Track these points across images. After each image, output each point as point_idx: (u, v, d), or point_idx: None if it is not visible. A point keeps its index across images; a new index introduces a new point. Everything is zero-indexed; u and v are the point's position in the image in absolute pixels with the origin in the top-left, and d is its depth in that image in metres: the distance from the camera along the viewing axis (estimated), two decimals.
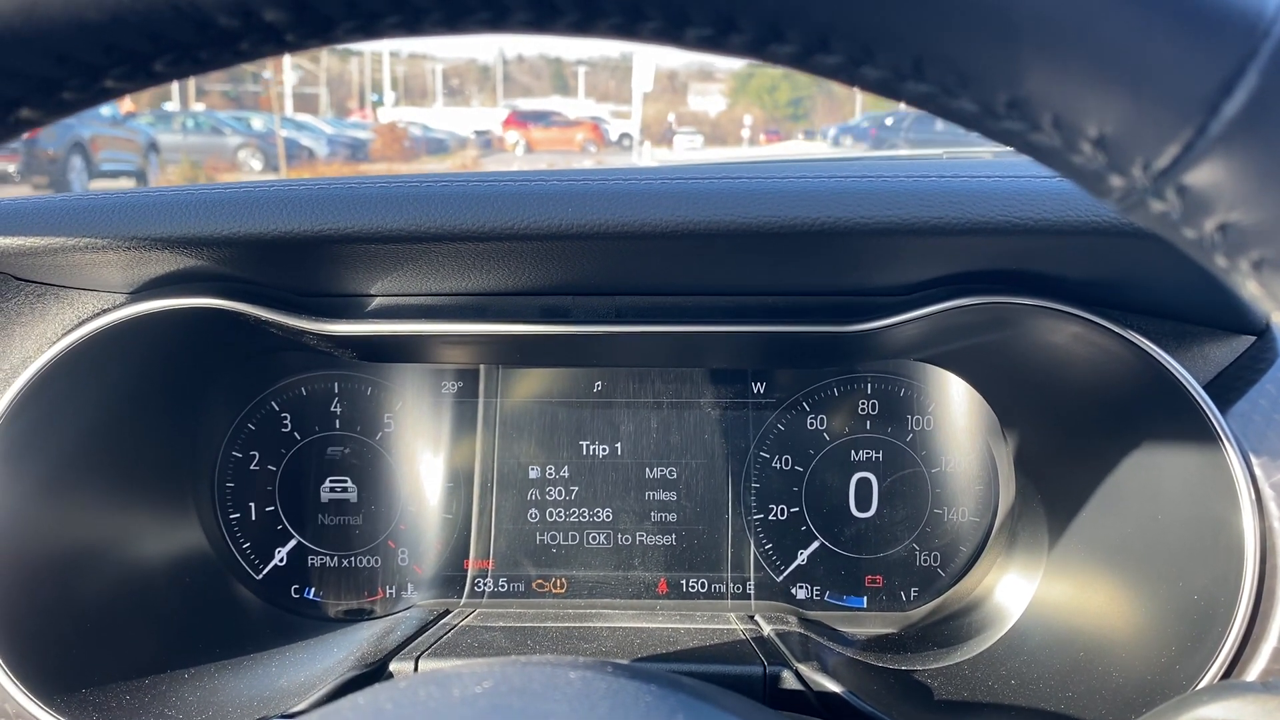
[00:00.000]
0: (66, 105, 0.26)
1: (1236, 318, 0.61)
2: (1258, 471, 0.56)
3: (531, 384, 0.76)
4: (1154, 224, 0.26)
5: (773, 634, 0.66)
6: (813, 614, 0.75)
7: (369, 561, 0.77)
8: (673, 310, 0.66)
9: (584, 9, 0.25)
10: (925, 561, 0.76)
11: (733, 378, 0.75)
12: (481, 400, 0.76)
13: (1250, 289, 0.25)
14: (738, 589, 0.76)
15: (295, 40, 0.25)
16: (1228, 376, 0.61)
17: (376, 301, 0.65)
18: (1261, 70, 0.22)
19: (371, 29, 0.26)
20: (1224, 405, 0.58)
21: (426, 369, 0.75)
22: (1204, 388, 0.58)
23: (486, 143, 24.65)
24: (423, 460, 0.76)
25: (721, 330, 0.65)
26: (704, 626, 0.69)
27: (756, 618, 0.71)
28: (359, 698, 0.31)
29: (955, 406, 0.75)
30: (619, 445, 0.76)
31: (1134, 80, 0.23)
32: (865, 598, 0.76)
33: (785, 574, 0.76)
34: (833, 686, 0.56)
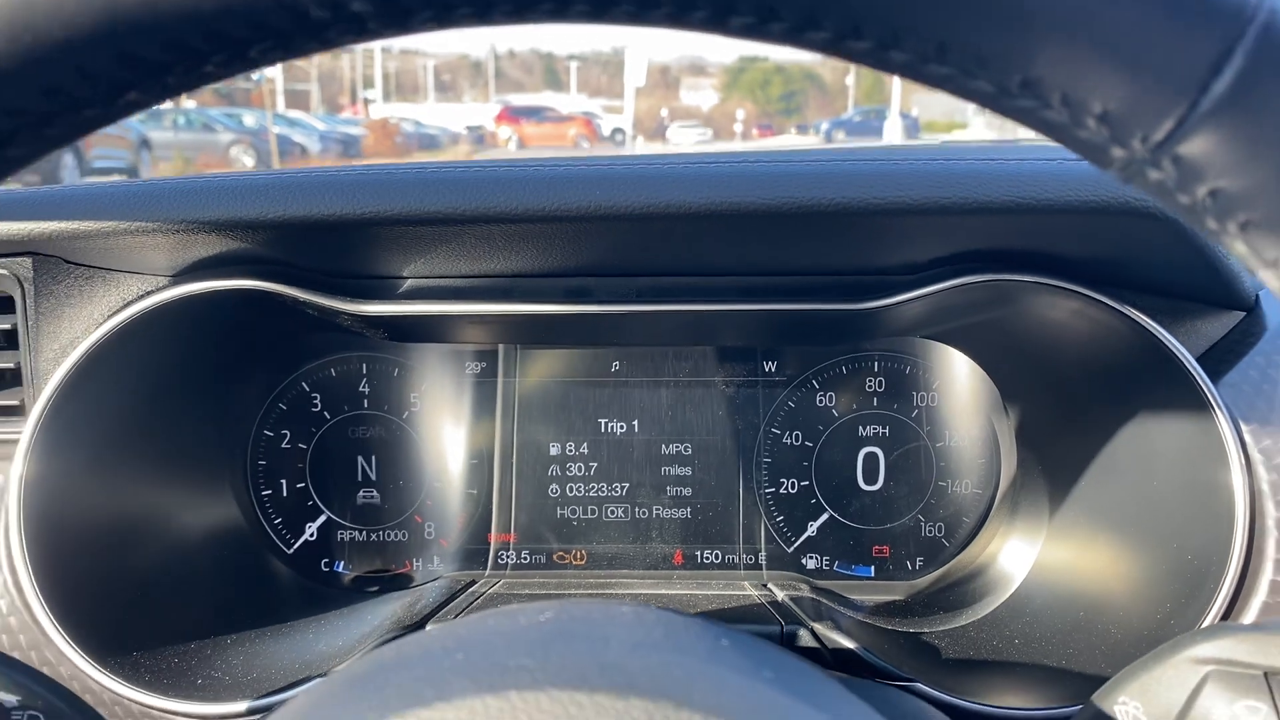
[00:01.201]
0: (171, 89, 0.29)
1: (1227, 294, 0.64)
2: (1247, 437, 0.60)
3: (551, 364, 0.79)
4: (1152, 191, 0.29)
5: (786, 599, 0.69)
6: (822, 583, 0.78)
7: (396, 535, 0.80)
8: (689, 290, 0.69)
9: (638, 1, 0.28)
10: (930, 532, 0.79)
11: (744, 357, 0.78)
12: (502, 380, 0.79)
13: (1238, 249, 0.28)
14: (750, 560, 0.79)
15: (376, 29, 0.28)
16: (1219, 349, 0.65)
17: (408, 283, 0.68)
18: (1247, 52, 0.25)
19: (446, 19, 0.28)
20: (1215, 376, 0.61)
21: (450, 350, 0.78)
22: (1197, 360, 0.61)
23: (479, 138, 24.63)
24: (447, 438, 0.79)
25: (735, 309, 0.68)
26: (720, 593, 0.72)
27: (769, 585, 0.74)
28: (432, 630, 0.34)
29: (959, 382, 0.78)
30: (635, 422, 0.79)
31: (1133, 62, 0.26)
32: (873, 567, 0.80)
33: (796, 545, 0.79)
34: (847, 643, 0.60)
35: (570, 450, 0.79)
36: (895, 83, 29.50)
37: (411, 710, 0.28)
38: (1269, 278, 0.28)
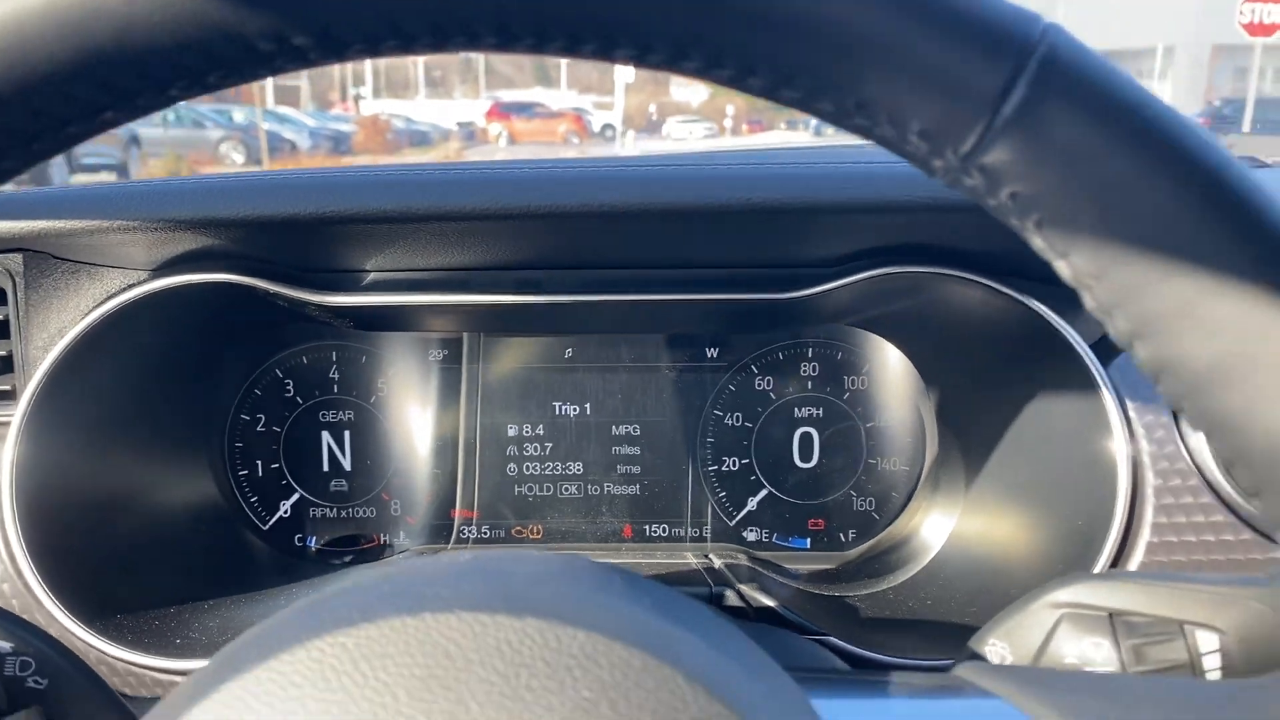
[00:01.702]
0: (141, 109, 0.34)
1: None
2: (1131, 414, 0.66)
3: (509, 351, 0.84)
4: (969, 194, 0.35)
5: (722, 566, 0.75)
6: (762, 554, 0.84)
7: (365, 512, 0.85)
8: (633, 282, 0.75)
9: (539, 34, 0.34)
10: (861, 506, 0.85)
11: (689, 344, 0.84)
12: (465, 366, 0.84)
13: (1037, 243, 0.34)
14: (695, 533, 0.85)
15: (317, 58, 0.34)
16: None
17: (371, 276, 0.74)
18: (1028, 81, 0.31)
19: (375, 50, 0.34)
20: (1105, 359, 0.68)
21: (415, 339, 0.84)
22: (1091, 345, 0.68)
23: (470, 134, 24.64)
24: (412, 421, 0.85)
25: (674, 299, 0.74)
26: (664, 561, 0.78)
27: (710, 555, 0.80)
28: (365, 569, 0.39)
29: (887, 367, 0.84)
30: (587, 406, 0.85)
31: (940, 88, 0.32)
32: (809, 539, 0.86)
33: (737, 519, 0.85)
34: (768, 602, 0.66)
35: (527, 432, 0.85)
36: None
37: (341, 630, 0.34)
38: (1061, 267, 0.33)
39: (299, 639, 0.34)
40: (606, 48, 0.34)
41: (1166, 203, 0.32)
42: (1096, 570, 0.63)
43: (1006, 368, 0.73)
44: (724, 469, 0.85)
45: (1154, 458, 0.65)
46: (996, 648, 0.50)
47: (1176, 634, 0.47)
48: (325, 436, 0.85)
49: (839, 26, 0.32)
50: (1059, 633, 0.49)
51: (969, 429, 0.78)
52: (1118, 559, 0.64)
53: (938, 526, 0.79)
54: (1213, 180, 0.32)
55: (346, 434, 0.85)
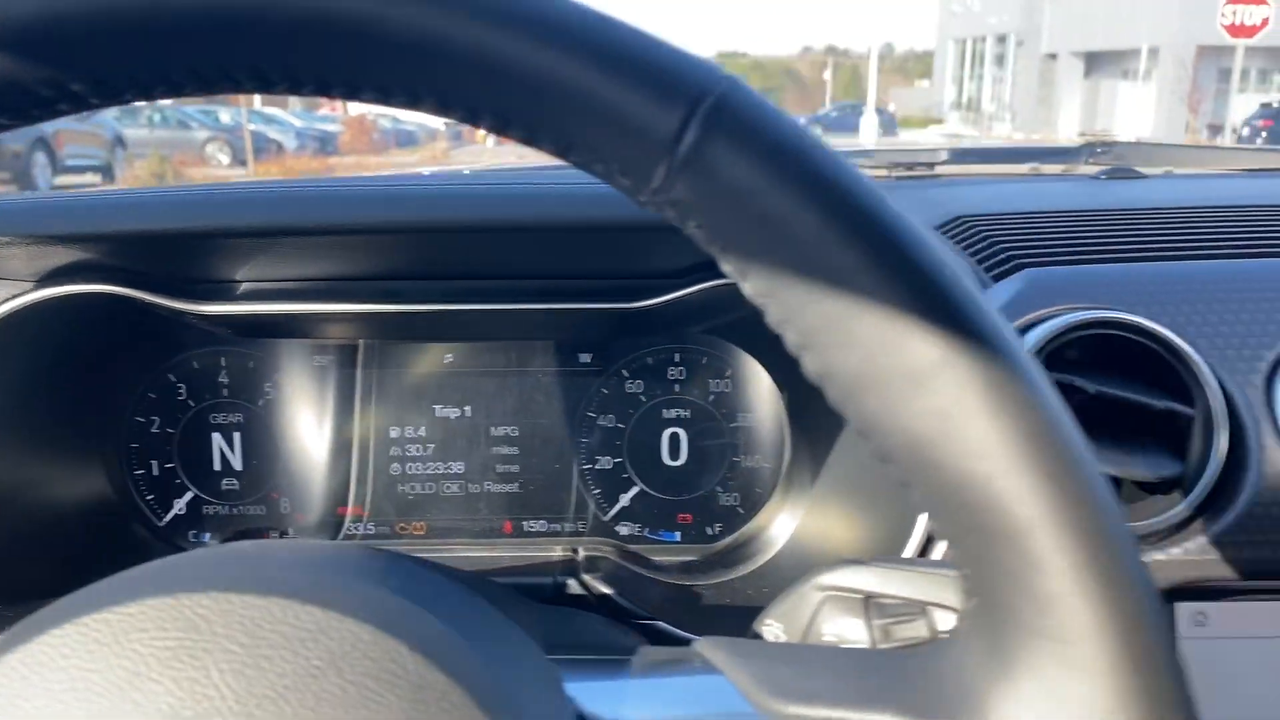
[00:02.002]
0: None
1: None
2: None
3: (391, 356, 0.89)
4: (672, 223, 0.39)
5: (583, 558, 0.80)
6: (634, 547, 0.89)
7: (256, 510, 0.90)
8: (491, 291, 0.79)
9: (292, 80, 0.38)
10: (727, 501, 0.90)
11: (562, 349, 0.89)
12: (348, 371, 0.89)
13: (724, 268, 0.39)
14: (572, 528, 0.90)
15: (98, 102, 0.38)
16: None
17: (243, 286, 0.78)
18: (698, 125, 0.36)
19: (147, 95, 0.39)
20: None
21: (300, 345, 0.88)
22: None
23: (457, 134, 24.63)
24: (299, 423, 0.89)
25: (528, 308, 0.79)
26: (534, 554, 0.83)
27: (578, 549, 0.84)
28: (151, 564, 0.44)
29: (748, 371, 0.89)
30: (467, 408, 0.89)
31: (626, 132, 0.37)
32: (679, 533, 0.90)
33: (611, 514, 0.90)
34: (605, 590, 0.70)
35: (409, 434, 0.89)
36: (871, 80, 29.66)
37: (108, 609, 0.39)
38: (745, 288, 0.38)
39: (70, 616, 0.39)
40: (351, 92, 0.38)
41: (816, 234, 0.36)
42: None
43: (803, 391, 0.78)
44: (598, 468, 0.90)
45: None
46: (772, 627, 0.55)
47: (919, 614, 0.52)
48: (216, 438, 0.89)
49: (541, 81, 0.36)
50: (821, 613, 0.53)
51: (814, 430, 0.83)
52: (925, 549, 0.69)
53: (787, 521, 0.84)
54: (855, 214, 0.37)
55: (236, 435, 0.89)
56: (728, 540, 0.89)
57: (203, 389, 0.89)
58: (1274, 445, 0.69)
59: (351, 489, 0.90)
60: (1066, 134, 28.49)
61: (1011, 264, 0.80)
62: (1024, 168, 1.37)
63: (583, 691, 0.44)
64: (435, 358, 0.89)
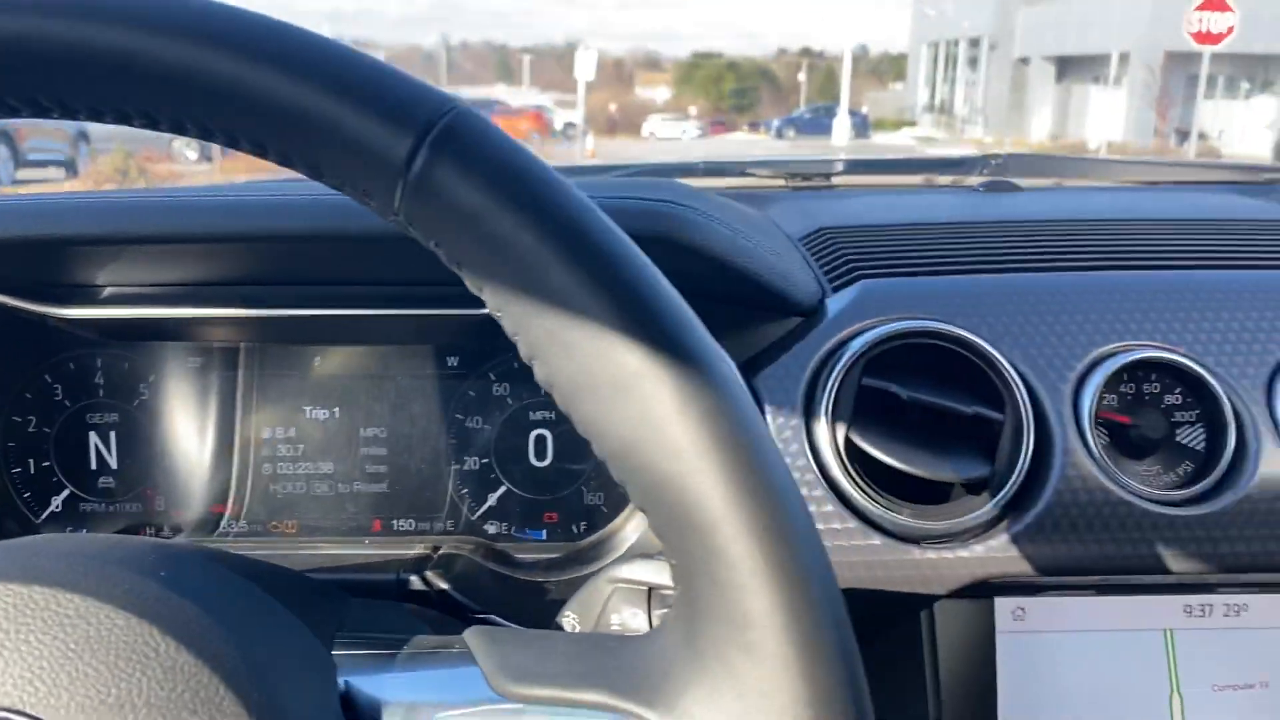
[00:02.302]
0: None
1: (784, 304, 0.79)
2: (768, 418, 0.74)
3: (261, 359, 0.91)
4: (420, 241, 0.42)
5: (440, 555, 0.83)
6: (500, 545, 0.92)
7: (132, 508, 0.92)
8: (358, 297, 0.82)
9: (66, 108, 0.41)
10: (591, 500, 0.93)
11: (430, 353, 0.92)
12: (220, 373, 0.91)
13: (467, 283, 0.42)
14: (441, 527, 0.93)
15: None
16: (774, 347, 0.79)
17: (107, 291, 0.81)
18: (426, 151, 0.39)
19: None
20: (756, 368, 0.76)
21: (174, 347, 0.91)
22: (752, 356, 0.76)
23: None
24: (175, 423, 0.92)
25: (395, 313, 0.82)
26: (399, 552, 0.86)
27: (439, 546, 0.87)
28: None
29: None
30: (336, 410, 0.92)
31: (364, 156, 0.40)
32: (545, 531, 0.93)
33: (479, 513, 0.93)
34: (444, 585, 0.73)
35: (280, 435, 0.92)
36: (845, 82, 29.83)
37: None
38: (485, 300, 0.41)
39: None
40: (123, 117, 0.41)
41: (534, 254, 0.40)
42: None
43: None
44: (466, 468, 0.93)
45: (790, 456, 0.73)
46: (569, 617, 0.59)
47: None
48: (93, 437, 0.91)
49: (286, 112, 0.40)
50: (610, 603, 0.57)
51: None
52: None
53: (640, 520, 0.87)
54: (569, 236, 0.40)
55: (112, 435, 0.92)
56: (593, 538, 0.93)
57: (79, 389, 0.91)
58: (1078, 449, 0.73)
59: (228, 488, 0.92)
60: (1039, 138, 28.73)
61: (853, 275, 0.84)
62: (918, 178, 1.42)
63: (353, 674, 0.47)
64: (305, 361, 0.92)
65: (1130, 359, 0.75)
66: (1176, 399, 0.76)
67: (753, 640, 0.39)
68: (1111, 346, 0.76)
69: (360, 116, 0.40)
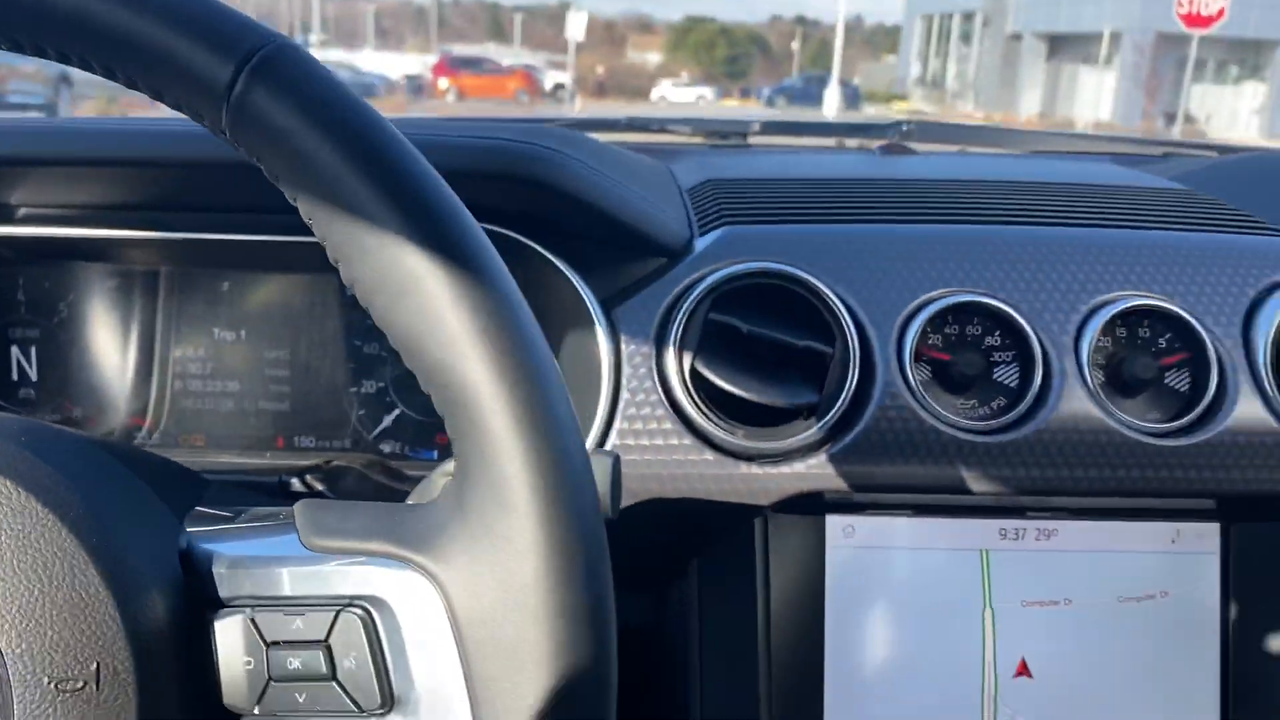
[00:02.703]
0: None
1: (648, 245, 0.86)
2: (623, 348, 0.82)
3: (175, 281, 0.98)
4: (247, 158, 0.49)
5: (330, 466, 0.90)
6: (395, 463, 0.99)
7: (51, 419, 0.99)
8: (264, 224, 0.89)
9: None
10: None
11: (333, 281, 0.99)
12: (137, 293, 0.98)
13: (285, 192, 0.49)
14: (339, 445, 1.00)
15: None
16: (637, 284, 0.86)
17: (21, 211, 0.87)
18: (244, 80, 0.46)
19: None
20: (617, 304, 0.83)
21: (96, 268, 0.98)
22: (605, 297, 0.83)
23: (417, 88, 24.40)
24: (93, 340, 0.99)
25: (296, 240, 0.88)
26: (292, 462, 0.94)
27: (334, 461, 0.95)
28: None
29: None
30: (243, 333, 0.99)
31: (196, 84, 0.47)
32: (436, 451, 1.01)
33: (375, 433, 1.01)
34: (320, 487, 0.81)
35: (191, 354, 0.99)
36: (837, 52, 29.71)
37: None
38: (300, 210, 0.48)
39: None
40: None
41: (333, 167, 0.47)
42: None
43: (559, 314, 0.88)
44: (363, 391, 1.00)
45: (634, 391, 0.81)
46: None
47: None
48: (15, 351, 0.98)
49: (129, 41, 0.46)
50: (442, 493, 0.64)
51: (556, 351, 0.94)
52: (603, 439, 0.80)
53: None
54: (367, 153, 0.47)
55: (33, 349, 0.98)
56: None
57: (1, 305, 0.98)
58: (898, 380, 0.81)
59: (144, 404, 0.99)
60: (1027, 114, 28.69)
61: (720, 220, 0.91)
62: (830, 141, 1.49)
63: (195, 536, 0.55)
64: (218, 286, 0.99)
65: (952, 302, 0.82)
66: (996, 340, 0.84)
67: (506, 498, 0.46)
68: (939, 291, 0.84)
69: (191, 45, 0.47)
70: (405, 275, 0.47)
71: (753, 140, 1.45)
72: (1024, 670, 0.87)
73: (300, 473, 0.88)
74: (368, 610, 0.49)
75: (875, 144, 1.39)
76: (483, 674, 0.46)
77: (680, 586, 0.84)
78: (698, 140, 1.44)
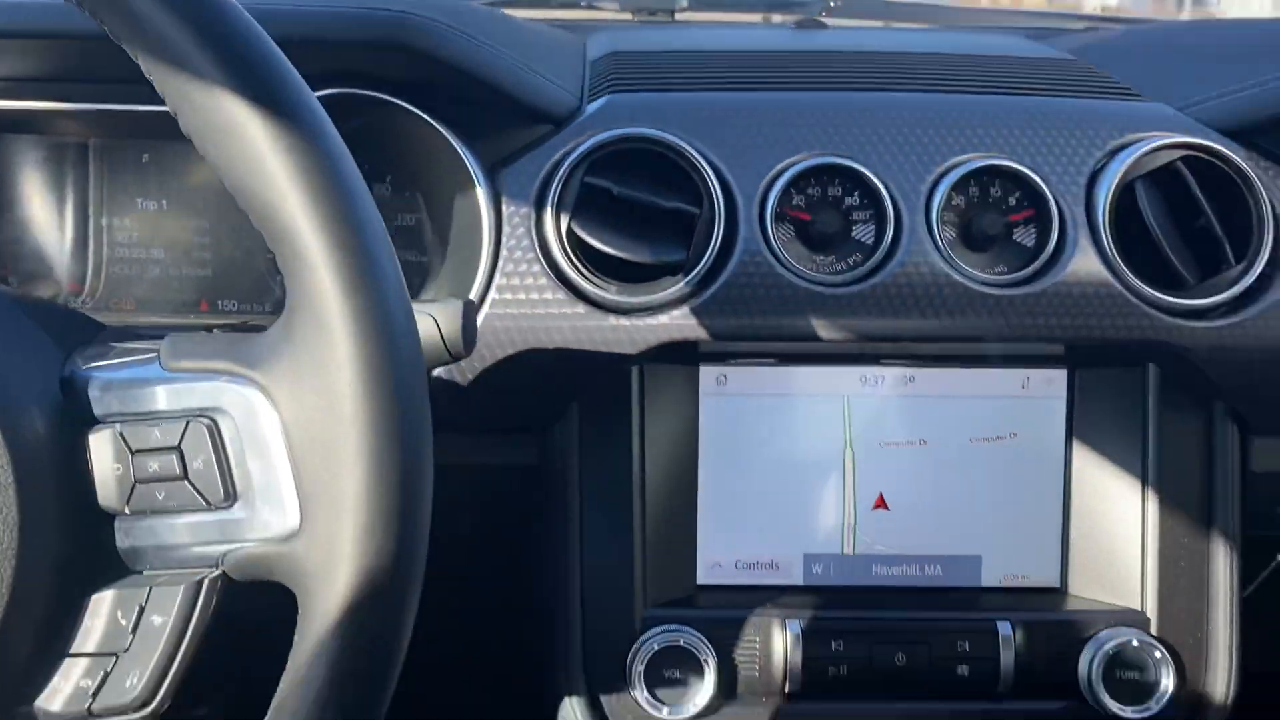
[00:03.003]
0: None
1: (531, 113, 0.91)
2: (503, 206, 0.88)
3: (101, 154, 1.04)
4: (94, 21, 0.54)
5: (243, 323, 0.98)
6: None
7: None
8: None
9: None
10: None
11: None
12: (67, 164, 1.03)
13: (128, 51, 0.54)
14: (261, 309, 1.07)
15: None
16: (522, 150, 0.91)
17: None
18: None
19: None
20: (502, 168, 0.89)
21: (25, 140, 1.03)
22: (492, 163, 0.89)
23: None
24: (26, 209, 1.05)
25: None
26: (217, 321, 1.01)
27: (251, 321, 1.02)
28: None
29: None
30: (164, 201, 1.05)
31: None
32: None
33: None
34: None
35: (116, 223, 1.05)
36: None
37: None
38: (141, 66, 0.54)
39: None
40: None
41: (164, 25, 0.53)
42: None
43: (440, 170, 0.93)
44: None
45: (509, 239, 0.87)
46: None
47: None
48: None
49: None
50: None
51: None
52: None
53: None
54: (190, 10, 0.53)
55: None
56: None
57: None
58: (758, 238, 0.87)
59: (80, 271, 1.06)
60: None
61: (608, 89, 0.96)
62: (756, 16, 1.51)
63: (78, 365, 0.62)
64: (135, 156, 1.04)
65: (812, 164, 0.88)
66: (855, 200, 0.90)
67: (321, 318, 0.53)
68: (801, 155, 0.89)
69: None
70: (228, 120, 0.53)
71: (681, 16, 1.47)
72: (881, 503, 0.95)
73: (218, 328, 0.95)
74: (213, 419, 0.56)
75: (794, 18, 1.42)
76: (307, 470, 0.54)
77: (563, 429, 0.92)
78: (626, 16, 1.47)
